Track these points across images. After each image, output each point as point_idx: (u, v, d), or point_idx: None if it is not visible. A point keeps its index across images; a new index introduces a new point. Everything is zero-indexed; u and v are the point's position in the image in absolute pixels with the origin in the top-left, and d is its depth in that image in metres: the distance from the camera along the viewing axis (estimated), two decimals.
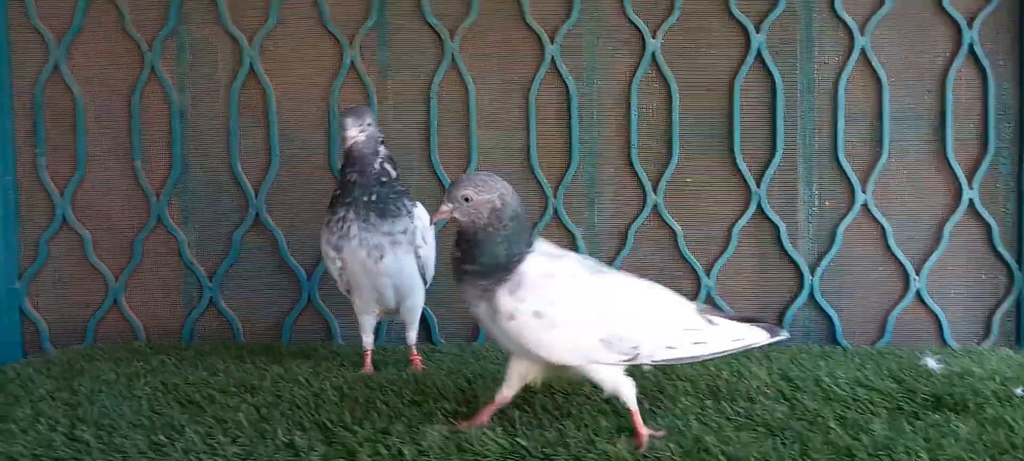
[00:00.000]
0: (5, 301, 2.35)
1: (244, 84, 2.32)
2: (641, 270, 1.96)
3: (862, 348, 2.17)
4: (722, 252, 2.28)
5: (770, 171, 2.25)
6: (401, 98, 2.31)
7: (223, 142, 2.34)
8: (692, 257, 2.28)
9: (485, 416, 1.47)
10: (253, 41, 2.31)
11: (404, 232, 1.77)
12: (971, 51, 2.21)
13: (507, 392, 1.46)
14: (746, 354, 1.83)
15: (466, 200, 1.38)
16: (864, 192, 2.24)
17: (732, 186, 2.28)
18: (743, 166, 2.25)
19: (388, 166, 1.78)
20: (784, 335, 1.48)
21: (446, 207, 1.40)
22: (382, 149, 1.78)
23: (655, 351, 1.39)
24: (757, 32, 2.23)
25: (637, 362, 1.39)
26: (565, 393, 1.61)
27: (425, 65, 2.30)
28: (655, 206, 2.28)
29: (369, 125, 1.77)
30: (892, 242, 2.25)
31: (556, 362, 1.38)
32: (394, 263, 1.77)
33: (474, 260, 1.37)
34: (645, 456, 1.33)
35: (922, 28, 2.23)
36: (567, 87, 2.27)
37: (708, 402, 1.58)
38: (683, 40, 2.26)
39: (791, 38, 2.24)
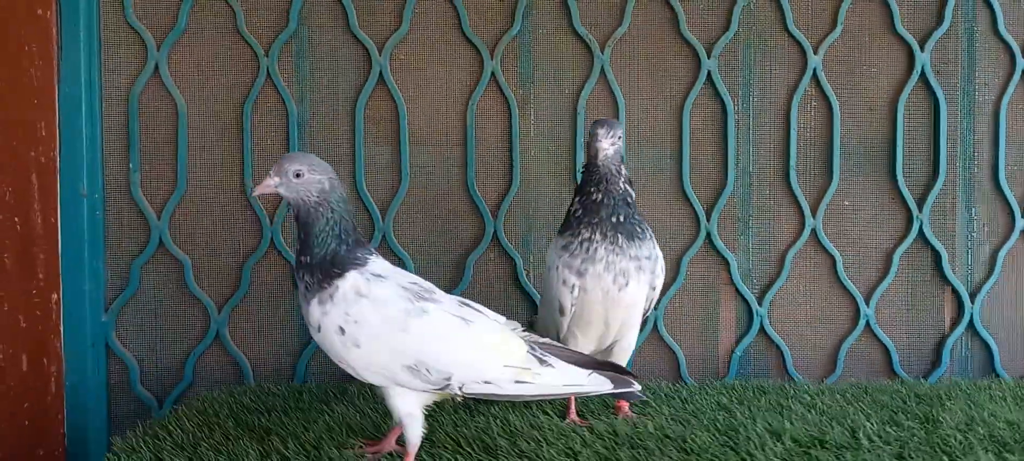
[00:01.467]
0: (90, 335, 2.07)
1: (372, 94, 2.11)
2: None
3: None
4: (882, 279, 2.18)
5: (932, 195, 2.16)
6: (543, 110, 2.14)
7: (348, 157, 2.12)
8: (850, 284, 2.17)
9: (391, 440, 1.49)
10: (383, 49, 2.10)
11: (648, 258, 1.59)
12: None
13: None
14: None
15: (297, 176, 1.38)
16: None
17: (893, 210, 2.18)
18: (905, 189, 2.16)
19: (629, 186, 1.61)
20: (636, 388, 1.43)
21: (273, 180, 1.39)
22: (624, 167, 1.60)
23: (468, 384, 1.36)
24: (921, 51, 2.14)
25: (448, 392, 1.38)
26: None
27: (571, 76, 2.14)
28: (813, 230, 2.17)
29: (619, 138, 1.59)
30: None
31: (360, 378, 1.37)
32: (637, 291, 1.58)
33: (308, 250, 1.37)
34: None
35: None
36: (723, 103, 2.14)
37: None
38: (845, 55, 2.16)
39: (952, 58, 2.17)
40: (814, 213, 2.16)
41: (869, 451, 1.44)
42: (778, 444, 1.47)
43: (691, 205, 2.15)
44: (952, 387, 1.93)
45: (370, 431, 1.60)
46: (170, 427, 1.59)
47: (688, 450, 1.45)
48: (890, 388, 1.88)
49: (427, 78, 2.13)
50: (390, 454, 1.50)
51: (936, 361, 2.20)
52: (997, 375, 2.18)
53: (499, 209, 2.13)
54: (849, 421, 1.58)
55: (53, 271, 2.03)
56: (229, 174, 2.12)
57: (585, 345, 1.63)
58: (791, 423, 1.56)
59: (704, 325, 2.18)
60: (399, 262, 2.14)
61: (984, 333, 2.19)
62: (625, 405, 1.72)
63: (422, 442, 1.41)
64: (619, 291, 1.56)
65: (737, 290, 2.17)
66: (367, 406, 1.74)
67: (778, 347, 2.19)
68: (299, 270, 1.38)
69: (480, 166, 2.14)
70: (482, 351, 1.38)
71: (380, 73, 2.10)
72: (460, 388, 1.37)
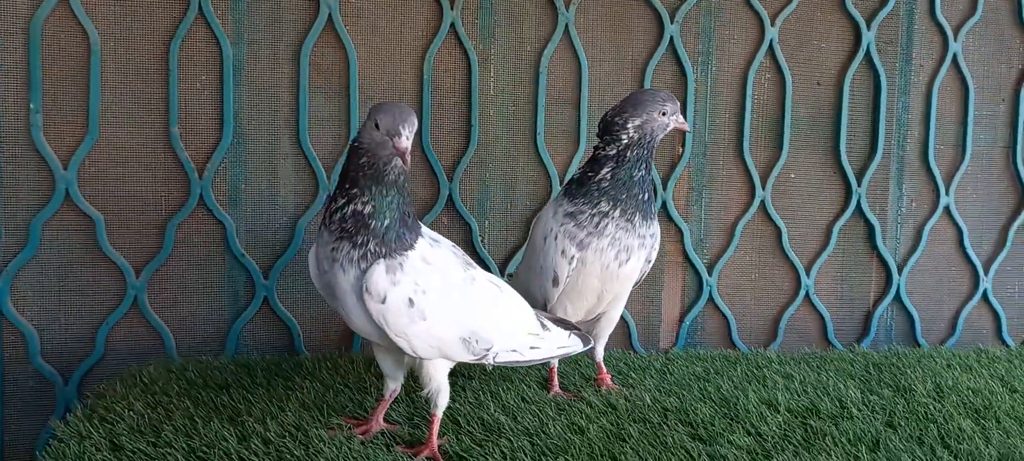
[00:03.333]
0: None
1: (319, 40, 1.92)
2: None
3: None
4: (821, 250, 2.24)
5: (870, 170, 2.23)
6: (503, 68, 2.03)
7: (290, 109, 1.93)
8: (793, 255, 2.22)
9: (379, 417, 1.39)
10: None
11: (652, 235, 1.52)
12: None
13: (393, 385, 1.38)
14: None
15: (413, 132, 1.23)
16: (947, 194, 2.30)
17: (834, 183, 2.24)
18: (846, 164, 2.22)
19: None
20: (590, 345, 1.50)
21: (411, 140, 1.22)
22: None
23: (501, 353, 1.33)
24: (868, 29, 2.19)
25: (484, 362, 1.33)
26: None
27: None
28: (762, 202, 2.19)
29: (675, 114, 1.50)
30: (968, 244, 2.32)
31: (412, 354, 1.27)
32: (635, 267, 1.51)
33: (374, 210, 1.22)
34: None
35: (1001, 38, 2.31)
36: (684, 70, 2.11)
37: None
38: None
39: (893, 38, 2.23)
40: (764, 185, 2.18)
41: (861, 419, 1.46)
42: (776, 415, 1.46)
43: None
44: (899, 355, 1.99)
45: (349, 408, 1.46)
46: (117, 408, 1.38)
47: (693, 423, 1.42)
48: (846, 356, 1.93)
49: (381, 26, 1.96)
50: (380, 433, 1.37)
51: (865, 330, 2.30)
52: (918, 343, 2.31)
53: (454, 171, 2.01)
54: (831, 390, 1.60)
55: None
56: (151, 119, 1.87)
57: (573, 315, 1.56)
58: (782, 394, 1.56)
59: (652, 294, 2.16)
60: None
61: (908, 304, 2.30)
62: (607, 377, 1.66)
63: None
64: (619, 266, 1.49)
65: (688, 259, 2.17)
66: (335, 380, 1.59)
67: (724, 316, 2.21)
68: (353, 233, 1.23)
69: (436, 125, 2.00)
70: (514, 319, 1.35)
71: (329, 16, 1.91)
72: (494, 358, 1.31)
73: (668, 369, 1.75)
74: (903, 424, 1.45)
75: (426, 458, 1.31)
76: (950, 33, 2.24)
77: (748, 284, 2.22)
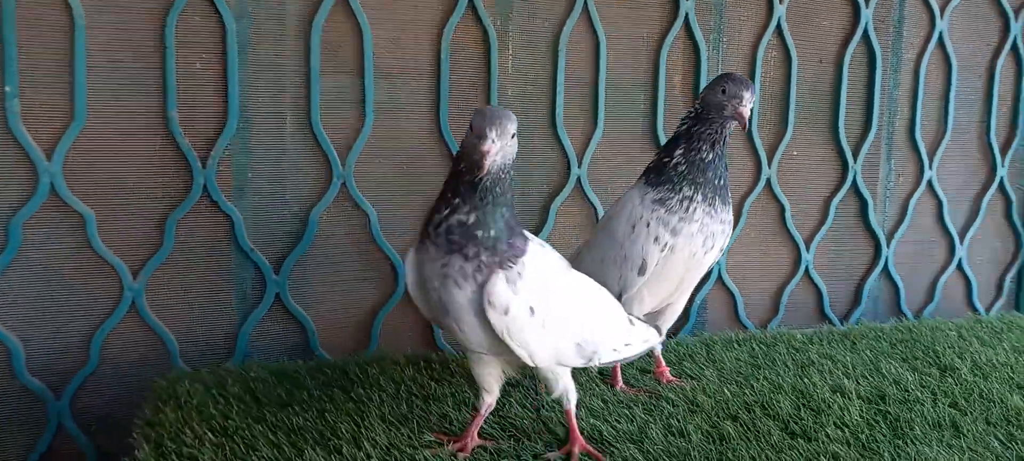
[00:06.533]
0: None
1: (330, 15, 1.76)
2: None
3: None
4: (820, 226, 2.28)
5: (865, 146, 2.28)
6: (521, 47, 1.93)
7: (301, 88, 1.77)
8: (795, 231, 2.25)
9: (474, 432, 1.30)
10: None
11: (729, 222, 1.48)
12: (1014, 44, 2.43)
13: (489, 399, 1.30)
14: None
15: (513, 136, 1.14)
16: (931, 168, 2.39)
17: (832, 160, 2.27)
18: (844, 141, 2.25)
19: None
20: (663, 338, 1.52)
21: (495, 145, 1.11)
22: None
23: (604, 354, 1.29)
24: (866, 7, 2.22)
25: (590, 364, 1.29)
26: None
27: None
28: (768, 180, 2.20)
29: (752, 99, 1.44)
30: (946, 215, 2.42)
31: (531, 363, 1.21)
32: (716, 255, 1.48)
33: (484, 219, 1.13)
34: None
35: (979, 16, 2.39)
36: (697, 48, 2.07)
37: None
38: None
39: (886, 16, 2.28)
40: (770, 163, 2.19)
41: (929, 404, 1.49)
42: (851, 403, 1.47)
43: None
44: (909, 329, 2.01)
45: (434, 422, 1.35)
46: (186, 441, 1.22)
47: (779, 417, 1.41)
48: (870, 331, 1.97)
49: None
50: (482, 448, 1.29)
51: (856, 302, 2.37)
52: (902, 313, 2.40)
53: None
54: (885, 372, 1.63)
55: None
56: (146, 103, 1.68)
57: (649, 304, 1.51)
58: (842, 379, 1.57)
59: None
60: (362, 213, 1.85)
61: (896, 275, 2.39)
62: (666, 370, 1.63)
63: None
64: (705, 253, 1.46)
65: None
66: (398, 388, 1.48)
67: (731, 294, 2.22)
68: (462, 245, 1.14)
69: (454, 104, 1.89)
70: (615, 318, 1.31)
71: None
72: (599, 359, 1.27)
73: (711, 355, 1.73)
74: (966, 405, 1.49)
75: (581, 453, 1.26)
76: (937, 11, 2.30)
77: (753, 262, 2.24)
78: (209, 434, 1.24)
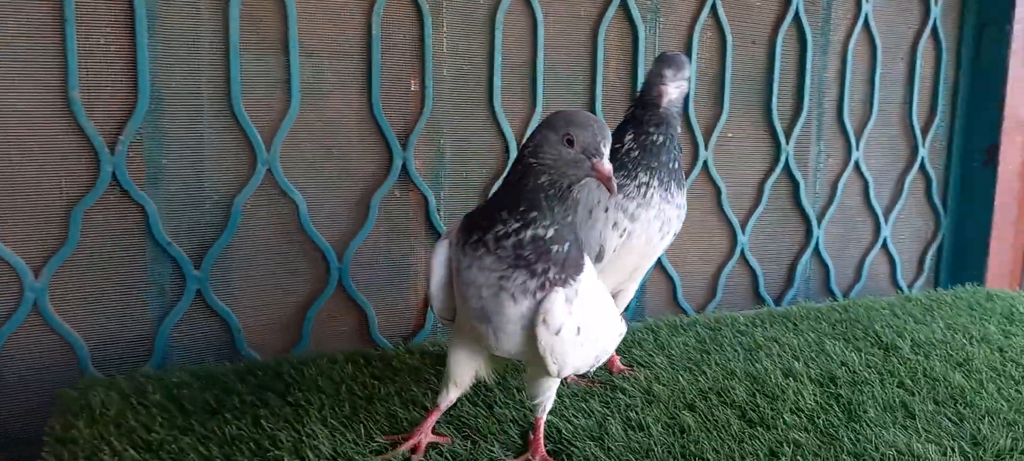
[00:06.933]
0: None
1: None
2: None
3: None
4: (754, 208, 2.28)
5: (797, 128, 2.29)
6: (456, 24, 1.84)
7: (220, 67, 1.63)
8: (731, 213, 2.24)
9: (428, 429, 1.23)
10: None
11: (683, 207, 1.44)
12: (934, 26, 2.48)
13: (454, 394, 1.23)
14: None
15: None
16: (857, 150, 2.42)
17: (765, 141, 2.27)
18: (777, 122, 2.25)
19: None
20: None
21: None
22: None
23: (603, 357, 1.23)
24: None
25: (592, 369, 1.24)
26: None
27: None
28: (705, 162, 2.18)
29: (686, 81, 1.39)
30: (872, 195, 2.46)
31: (555, 374, 1.14)
32: (670, 240, 1.44)
33: (561, 239, 1.07)
34: None
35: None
36: (634, 26, 2.03)
37: None
38: None
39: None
40: (706, 145, 2.17)
41: (878, 384, 1.49)
42: (804, 388, 1.45)
43: None
44: (844, 309, 2.03)
45: (381, 424, 1.26)
46: (102, 457, 1.09)
47: (737, 405, 1.38)
48: (809, 312, 1.97)
49: None
50: (433, 447, 1.20)
51: (789, 282, 2.38)
52: (832, 292, 2.43)
53: (408, 138, 1.81)
54: (831, 353, 1.62)
55: None
56: (44, 83, 1.52)
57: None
58: (791, 362, 1.56)
59: None
60: (290, 201, 1.73)
61: (826, 255, 2.41)
62: (617, 359, 1.58)
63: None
64: (661, 239, 1.42)
65: None
66: (339, 388, 1.38)
67: (670, 278, 2.19)
68: (532, 261, 1.05)
69: (386, 86, 1.79)
70: (618, 323, 1.25)
71: None
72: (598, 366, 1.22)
73: (658, 341, 1.69)
74: (912, 385, 1.49)
75: None
76: None
77: (690, 245, 2.22)
78: (130, 450, 1.12)
